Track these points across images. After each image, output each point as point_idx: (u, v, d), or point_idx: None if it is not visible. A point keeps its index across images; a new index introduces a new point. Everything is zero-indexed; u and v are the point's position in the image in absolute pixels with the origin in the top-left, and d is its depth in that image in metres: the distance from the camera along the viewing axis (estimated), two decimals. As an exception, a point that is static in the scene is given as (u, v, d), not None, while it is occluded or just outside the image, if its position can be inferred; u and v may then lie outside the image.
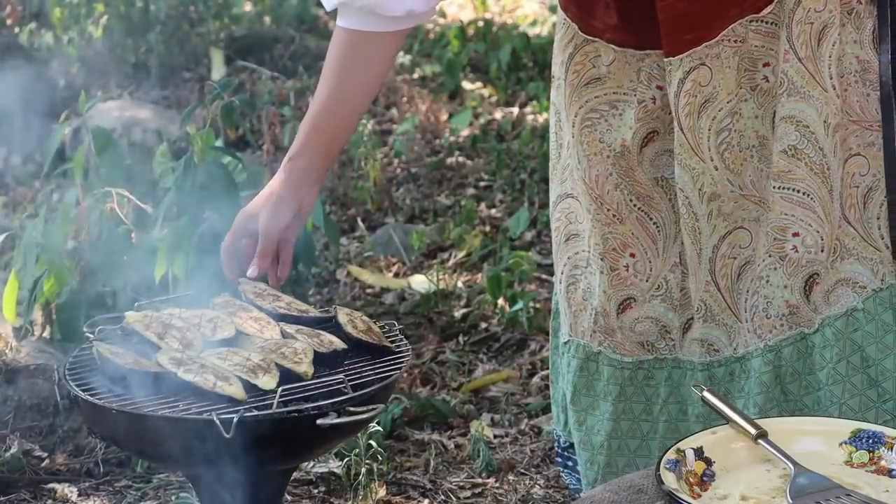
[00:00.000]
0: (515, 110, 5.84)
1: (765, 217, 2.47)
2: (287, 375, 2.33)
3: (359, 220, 4.85)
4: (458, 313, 4.11)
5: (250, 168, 4.07)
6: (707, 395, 2.30)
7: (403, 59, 6.34)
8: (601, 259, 2.53)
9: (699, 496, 2.09)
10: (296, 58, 6.45)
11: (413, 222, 4.86)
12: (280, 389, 2.26)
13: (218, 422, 2.17)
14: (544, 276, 4.35)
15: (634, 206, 2.52)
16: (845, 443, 2.21)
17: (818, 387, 2.51)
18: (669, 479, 2.08)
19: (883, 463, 2.17)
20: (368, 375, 2.38)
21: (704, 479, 2.14)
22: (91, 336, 2.49)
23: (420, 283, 4.32)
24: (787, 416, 2.50)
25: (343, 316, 2.50)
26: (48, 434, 3.44)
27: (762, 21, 2.43)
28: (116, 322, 2.55)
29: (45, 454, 3.38)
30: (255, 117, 5.58)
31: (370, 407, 2.26)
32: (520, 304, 4.00)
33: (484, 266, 4.41)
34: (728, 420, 2.23)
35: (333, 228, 4.17)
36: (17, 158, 5.53)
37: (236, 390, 2.27)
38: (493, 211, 4.87)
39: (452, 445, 3.40)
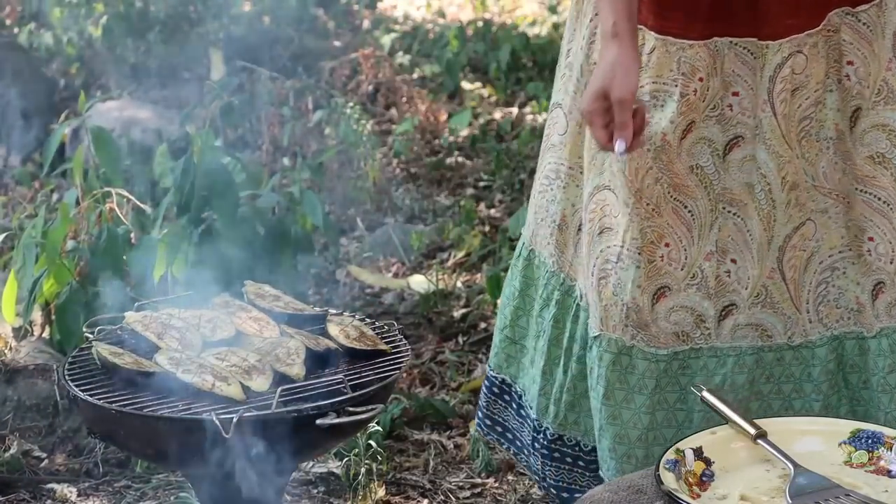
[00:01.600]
0: (515, 110, 5.84)
1: (843, 211, 2.51)
2: (283, 376, 2.34)
3: (358, 220, 4.85)
4: (457, 313, 4.11)
5: (250, 168, 4.07)
6: (707, 395, 2.31)
7: (403, 59, 6.34)
8: (639, 253, 2.52)
9: (698, 496, 2.09)
10: (296, 58, 6.45)
11: (412, 222, 4.86)
12: (280, 389, 2.26)
13: (217, 422, 2.17)
14: (544, 277, 4.35)
15: (672, 197, 2.52)
16: (845, 443, 2.21)
17: (870, 388, 2.56)
18: (669, 479, 2.08)
19: (882, 463, 2.17)
20: (368, 375, 2.38)
21: (704, 479, 2.14)
22: (91, 336, 2.49)
23: (419, 283, 4.32)
24: (846, 404, 2.58)
25: (333, 328, 2.50)
26: (48, 434, 3.44)
27: (856, 17, 2.45)
28: (116, 322, 2.55)
29: (45, 454, 3.38)
30: (254, 117, 5.58)
31: (370, 407, 2.27)
32: (519, 305, 4.00)
33: (483, 266, 4.41)
34: (727, 420, 2.23)
35: (333, 228, 4.17)
36: (17, 158, 5.53)
37: (235, 390, 2.27)
38: (492, 211, 4.87)
39: (452, 445, 3.41)
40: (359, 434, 3.13)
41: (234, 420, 2.17)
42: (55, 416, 3.47)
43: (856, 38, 2.47)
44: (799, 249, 2.53)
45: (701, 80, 2.47)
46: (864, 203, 2.50)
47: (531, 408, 2.74)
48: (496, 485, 3.23)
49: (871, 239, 2.51)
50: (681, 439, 2.23)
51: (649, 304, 2.53)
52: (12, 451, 3.34)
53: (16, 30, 6.76)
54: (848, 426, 2.24)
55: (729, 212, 2.52)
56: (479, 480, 3.26)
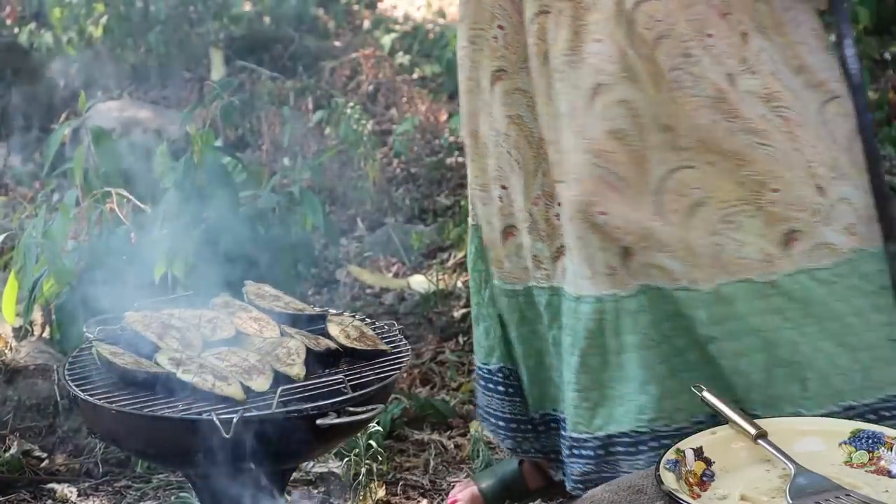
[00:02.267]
0: (515, 110, 5.83)
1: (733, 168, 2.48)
2: (283, 376, 2.34)
3: (358, 220, 4.85)
4: (457, 313, 4.11)
5: (250, 168, 4.07)
6: (707, 395, 2.30)
7: (403, 59, 6.34)
8: (482, 190, 2.64)
9: (699, 496, 2.09)
10: (296, 58, 6.44)
11: (412, 222, 4.86)
12: (280, 389, 2.26)
13: (218, 422, 2.17)
14: (544, 277, 4.35)
15: (496, 141, 2.62)
16: (845, 443, 2.21)
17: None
18: (669, 479, 2.08)
19: (882, 463, 2.17)
20: (368, 375, 2.38)
21: (704, 479, 2.14)
22: (91, 336, 2.49)
23: (420, 283, 4.32)
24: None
25: (334, 328, 2.50)
26: (48, 434, 3.44)
27: None
28: (116, 322, 2.55)
29: (45, 454, 3.38)
30: (254, 117, 5.58)
31: (370, 407, 2.27)
32: (519, 305, 4.00)
33: (484, 266, 4.41)
34: (728, 420, 2.23)
35: (333, 228, 4.17)
36: (17, 158, 5.53)
37: (235, 391, 2.27)
38: (492, 211, 4.87)
39: (452, 445, 3.40)
40: (359, 434, 3.13)
41: (235, 420, 2.17)
42: (55, 416, 3.47)
43: None
44: (677, 194, 2.49)
45: (500, 27, 2.54)
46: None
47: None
48: (496, 485, 3.23)
49: (774, 190, 2.47)
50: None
51: (500, 240, 2.68)
52: (12, 451, 3.34)
53: (16, 30, 6.75)
54: (848, 426, 2.24)
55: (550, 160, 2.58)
56: (479, 480, 3.26)
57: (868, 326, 2.51)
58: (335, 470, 3.24)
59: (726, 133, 2.46)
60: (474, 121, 2.67)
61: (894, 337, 2.51)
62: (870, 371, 2.51)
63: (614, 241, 2.48)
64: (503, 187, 2.65)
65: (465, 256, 4.50)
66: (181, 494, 3.12)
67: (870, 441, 2.20)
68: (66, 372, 2.40)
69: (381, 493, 3.16)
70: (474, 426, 3.37)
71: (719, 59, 2.46)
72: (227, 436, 2.17)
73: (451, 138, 5.46)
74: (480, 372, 2.90)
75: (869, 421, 2.38)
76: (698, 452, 2.17)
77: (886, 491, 2.10)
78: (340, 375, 2.33)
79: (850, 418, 2.39)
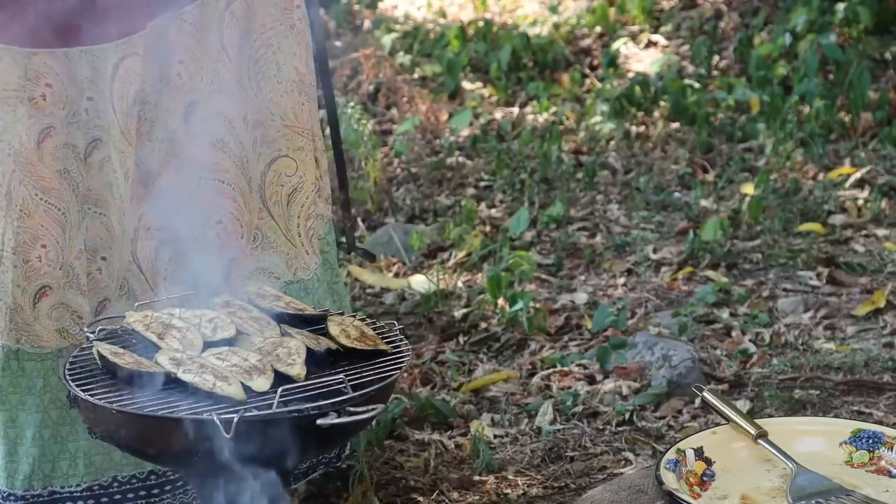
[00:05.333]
0: (515, 110, 5.84)
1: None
2: (284, 376, 2.33)
3: (359, 220, 4.85)
4: (458, 313, 4.11)
5: (250, 168, 4.06)
6: (707, 395, 2.31)
7: (403, 59, 6.34)
8: (13, 254, 2.62)
9: (699, 496, 2.09)
10: (296, 58, 6.44)
11: (413, 222, 4.86)
12: (280, 389, 2.26)
13: (218, 422, 2.17)
14: (544, 276, 4.35)
15: (41, 199, 2.62)
16: (845, 443, 2.21)
17: None
18: (669, 479, 2.08)
19: (883, 463, 2.17)
20: (368, 375, 2.38)
21: (704, 479, 2.14)
22: (91, 336, 2.49)
23: (420, 283, 4.32)
24: None
25: (334, 328, 2.50)
26: (48, 434, 3.44)
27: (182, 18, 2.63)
28: (116, 322, 2.55)
29: (46, 454, 3.38)
30: (255, 117, 5.57)
31: (370, 407, 2.26)
32: (520, 304, 4.00)
33: (484, 266, 4.41)
34: (728, 420, 2.23)
35: (333, 228, 4.17)
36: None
37: (236, 391, 2.27)
38: (493, 211, 4.87)
39: (452, 445, 3.40)
40: (359, 434, 3.13)
41: (235, 420, 2.17)
42: (56, 416, 3.46)
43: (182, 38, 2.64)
44: (277, 185, 2.70)
45: (49, 85, 2.58)
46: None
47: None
48: (497, 483, 3.23)
49: (219, 222, 2.71)
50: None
51: (30, 304, 2.64)
52: (13, 451, 3.34)
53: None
54: (849, 426, 2.24)
55: (95, 212, 2.66)
56: (479, 478, 3.26)
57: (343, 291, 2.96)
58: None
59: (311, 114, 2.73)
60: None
61: None
62: None
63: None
64: (43, 246, 2.67)
65: (465, 256, 4.51)
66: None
67: (870, 441, 2.20)
68: (66, 372, 2.40)
69: (381, 493, 3.16)
70: (474, 426, 3.37)
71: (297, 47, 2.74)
72: (228, 436, 2.17)
73: (452, 138, 5.46)
74: None
75: None
76: (699, 452, 2.17)
77: (887, 491, 2.10)
78: (341, 375, 2.33)
79: None
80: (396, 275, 4.47)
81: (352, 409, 2.26)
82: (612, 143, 5.42)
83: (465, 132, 5.57)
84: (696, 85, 5.82)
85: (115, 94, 2.61)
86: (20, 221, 2.63)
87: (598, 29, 6.61)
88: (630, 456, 3.29)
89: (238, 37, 2.70)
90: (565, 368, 3.73)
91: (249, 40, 2.72)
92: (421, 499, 3.19)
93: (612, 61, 6.18)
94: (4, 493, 2.73)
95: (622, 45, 6.38)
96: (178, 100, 2.66)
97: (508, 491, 3.18)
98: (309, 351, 2.41)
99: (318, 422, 2.22)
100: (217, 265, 2.63)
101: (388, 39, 6.54)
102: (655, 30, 6.59)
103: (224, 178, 2.71)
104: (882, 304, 4.02)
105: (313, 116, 2.83)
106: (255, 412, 2.22)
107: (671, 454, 2.15)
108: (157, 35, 2.62)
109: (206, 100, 2.67)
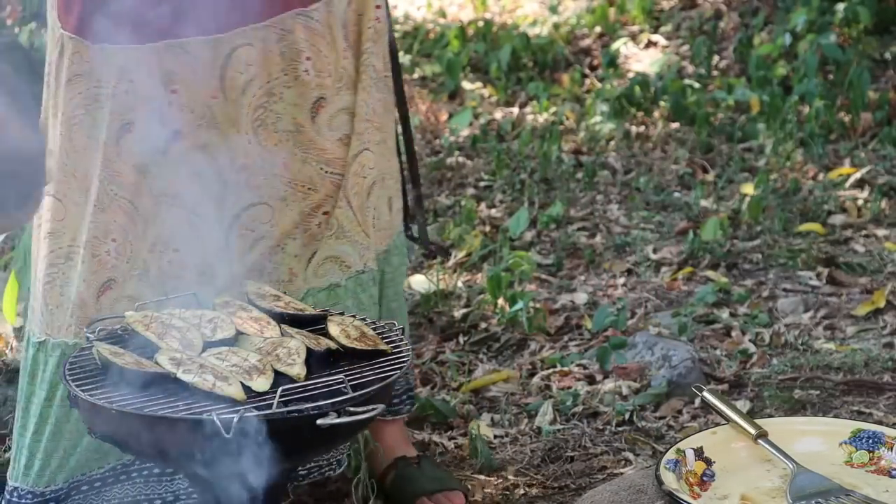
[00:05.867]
0: (515, 110, 5.84)
1: (301, 198, 2.76)
2: (284, 376, 2.33)
3: (359, 220, 4.85)
4: (458, 313, 4.11)
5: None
6: (707, 395, 2.31)
7: (404, 59, 6.34)
8: (83, 248, 2.66)
9: (699, 496, 2.09)
10: (296, 58, 6.44)
11: (413, 222, 4.86)
12: (280, 389, 2.26)
13: (218, 422, 2.17)
14: (544, 276, 4.35)
15: (115, 194, 2.65)
16: (845, 443, 2.21)
17: None
18: (669, 479, 2.08)
19: (883, 463, 2.17)
20: (368, 375, 2.38)
21: (704, 479, 2.14)
22: (91, 336, 2.49)
23: (420, 282, 4.32)
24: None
25: (334, 328, 2.50)
26: (48, 434, 3.44)
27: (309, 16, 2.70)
28: (116, 322, 2.55)
29: (45, 454, 3.38)
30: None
31: (370, 407, 2.26)
32: (520, 304, 4.00)
33: (484, 266, 4.41)
34: (728, 420, 2.23)
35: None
36: (17, 158, 5.52)
37: (236, 391, 2.27)
38: (493, 211, 4.87)
39: (452, 445, 3.40)
40: (359, 434, 3.13)
41: (235, 420, 2.17)
42: (55, 416, 3.46)
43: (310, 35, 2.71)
44: (360, 176, 2.78)
45: (132, 81, 2.61)
46: (331, 183, 2.77)
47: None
48: (497, 483, 3.23)
49: (326, 213, 2.79)
50: None
51: (94, 298, 2.67)
52: (13, 451, 3.34)
53: (16, 29, 6.75)
54: (849, 426, 2.24)
55: (171, 203, 2.68)
56: (480, 478, 3.26)
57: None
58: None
59: None
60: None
61: None
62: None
63: None
64: (113, 240, 2.71)
65: (465, 256, 4.51)
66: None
67: (870, 441, 2.20)
68: (66, 372, 2.39)
69: (381, 493, 3.16)
70: (474, 426, 3.37)
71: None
72: (228, 436, 2.17)
73: (452, 138, 5.46)
74: None
75: None
76: (699, 452, 2.17)
77: (887, 491, 2.10)
78: (341, 375, 2.33)
79: None
80: (396, 275, 4.46)
81: (352, 409, 2.26)
82: (612, 143, 5.43)
83: (465, 132, 5.57)
84: (696, 85, 5.82)
85: (227, 84, 2.67)
86: (94, 216, 2.66)
87: (598, 29, 6.62)
88: (630, 456, 3.29)
89: (357, 34, 2.81)
90: (565, 368, 3.73)
91: (361, 39, 2.82)
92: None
93: (612, 61, 6.18)
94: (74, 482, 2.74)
95: (622, 45, 6.38)
96: (305, 95, 2.74)
97: (508, 491, 3.18)
98: (309, 351, 2.41)
99: (318, 422, 2.22)
100: (306, 257, 2.78)
101: (388, 39, 6.54)
102: (655, 30, 6.60)
103: (337, 170, 2.79)
104: (882, 304, 4.02)
105: (388, 111, 2.92)
106: (255, 412, 2.22)
107: (671, 454, 2.15)
108: (281, 30, 2.69)
109: (334, 96, 2.77)
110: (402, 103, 3.01)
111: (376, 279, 2.89)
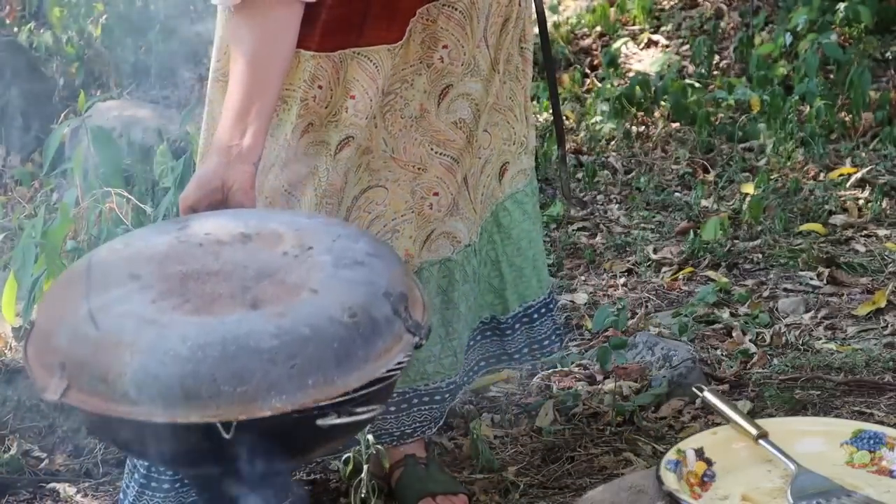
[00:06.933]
0: (516, 110, 5.83)
1: (412, 178, 2.84)
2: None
3: (359, 219, 4.85)
4: (458, 313, 4.10)
5: (250, 168, 4.05)
6: (707, 395, 2.30)
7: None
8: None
9: (700, 496, 2.09)
10: (296, 57, 6.43)
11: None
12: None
13: (218, 422, 2.17)
14: (544, 276, 4.35)
15: (285, 191, 2.74)
16: (846, 443, 2.21)
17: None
18: (670, 480, 2.08)
19: (884, 463, 2.17)
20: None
21: (705, 479, 2.14)
22: (90, 336, 2.48)
23: (420, 283, 4.31)
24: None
25: None
26: (47, 434, 3.44)
27: (453, 7, 2.76)
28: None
29: (45, 454, 3.38)
30: (255, 117, 5.56)
31: (370, 407, 2.26)
32: (520, 304, 4.00)
33: (484, 266, 4.41)
34: (728, 420, 2.23)
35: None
36: (17, 158, 5.52)
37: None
38: (493, 211, 4.87)
39: (452, 445, 3.40)
40: (359, 434, 3.13)
41: (235, 421, 2.16)
42: (55, 416, 3.47)
43: (451, 25, 2.77)
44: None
45: (320, 87, 2.70)
46: (440, 164, 2.87)
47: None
48: (497, 483, 3.22)
49: (435, 194, 2.88)
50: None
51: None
52: (12, 451, 3.34)
53: (16, 29, 6.75)
54: (850, 426, 2.24)
55: (329, 205, 2.78)
56: (480, 478, 3.25)
57: (539, 234, 3.11)
58: (335, 470, 3.23)
59: None
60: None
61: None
62: (542, 272, 3.12)
63: None
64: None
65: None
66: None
67: (871, 441, 2.20)
68: (65, 372, 2.39)
69: (382, 493, 3.15)
70: (474, 426, 3.37)
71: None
72: (227, 436, 2.16)
73: (452, 138, 5.46)
74: None
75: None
76: (699, 453, 2.17)
77: (888, 491, 2.10)
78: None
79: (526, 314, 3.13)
80: (396, 275, 4.46)
81: (351, 409, 2.25)
82: (613, 143, 5.42)
83: (465, 132, 5.57)
84: (697, 85, 5.82)
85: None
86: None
87: (598, 29, 6.61)
88: (630, 456, 3.29)
89: (500, 25, 2.90)
90: (565, 368, 3.73)
91: (507, 28, 2.92)
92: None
93: (613, 61, 6.18)
94: None
95: (622, 45, 6.38)
96: (436, 82, 2.81)
97: (508, 491, 3.18)
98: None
99: (318, 422, 2.22)
100: (421, 239, 2.92)
101: (388, 39, 6.54)
102: (656, 30, 6.59)
103: (453, 154, 2.87)
104: (883, 304, 4.02)
105: (526, 91, 3.06)
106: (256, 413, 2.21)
107: (672, 454, 2.14)
108: (427, 20, 2.75)
109: (459, 82, 2.83)
110: (550, 70, 3.13)
111: (477, 251, 3.00)
